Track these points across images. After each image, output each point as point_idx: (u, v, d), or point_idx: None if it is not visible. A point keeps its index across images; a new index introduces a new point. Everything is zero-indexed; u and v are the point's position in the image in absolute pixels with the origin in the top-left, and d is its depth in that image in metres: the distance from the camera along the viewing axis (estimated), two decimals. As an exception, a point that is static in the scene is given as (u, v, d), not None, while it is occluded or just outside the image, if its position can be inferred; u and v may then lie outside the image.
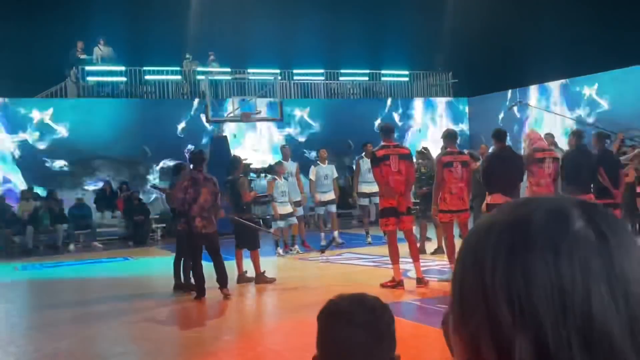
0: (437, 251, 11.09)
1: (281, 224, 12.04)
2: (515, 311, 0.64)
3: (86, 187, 17.21)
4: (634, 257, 0.67)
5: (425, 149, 12.06)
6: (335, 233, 13.33)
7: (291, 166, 12.90)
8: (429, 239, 11.81)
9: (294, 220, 12.27)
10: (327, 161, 13.49)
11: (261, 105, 16.83)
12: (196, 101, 18.34)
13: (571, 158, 9.26)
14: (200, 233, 8.47)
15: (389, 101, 21.27)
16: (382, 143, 8.67)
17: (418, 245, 11.42)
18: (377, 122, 19.72)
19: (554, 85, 19.10)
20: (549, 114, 18.42)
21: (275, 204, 11.84)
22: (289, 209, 12.00)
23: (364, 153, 13.15)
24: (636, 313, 0.64)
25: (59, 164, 17.26)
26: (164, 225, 16.78)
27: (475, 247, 0.70)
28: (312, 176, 13.24)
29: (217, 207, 8.71)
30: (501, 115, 19.72)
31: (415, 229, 11.29)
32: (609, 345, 0.63)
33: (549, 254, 0.65)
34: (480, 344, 0.66)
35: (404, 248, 8.73)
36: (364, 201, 13.39)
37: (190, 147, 17.00)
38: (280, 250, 12.35)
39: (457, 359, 0.70)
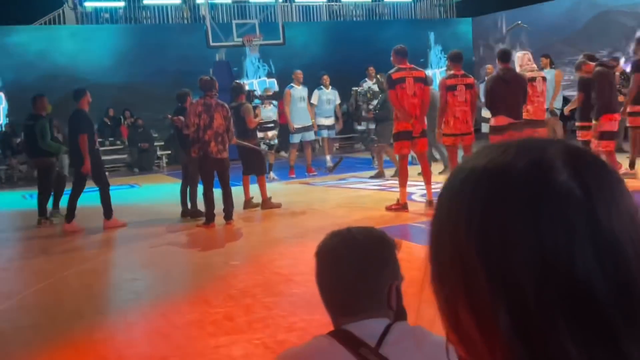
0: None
1: (296, 138, 12.51)
2: (492, 274, 0.58)
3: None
4: (623, 213, 0.60)
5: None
6: (328, 157, 13.48)
7: (302, 91, 12.77)
8: (436, 160, 11.75)
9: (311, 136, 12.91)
10: (330, 87, 13.38)
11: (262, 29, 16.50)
12: (196, 25, 17.99)
13: (600, 76, 9.17)
14: (215, 158, 8.50)
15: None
16: (397, 65, 8.49)
17: (377, 170, 11.87)
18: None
19: (557, 4, 18.59)
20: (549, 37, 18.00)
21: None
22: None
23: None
24: (625, 277, 0.58)
25: (60, 92, 17.07)
26: (170, 152, 16.78)
27: (450, 198, 0.64)
28: (314, 100, 13.15)
29: (231, 133, 8.72)
30: (505, 36, 19.32)
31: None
32: (595, 312, 0.57)
33: (529, 210, 0.58)
34: (458, 307, 0.61)
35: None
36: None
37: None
38: (273, 174, 12.23)
39: (439, 314, 0.66)
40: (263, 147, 10.89)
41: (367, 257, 1.56)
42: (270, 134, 11.95)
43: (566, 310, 0.57)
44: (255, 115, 9.82)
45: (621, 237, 0.58)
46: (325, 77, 13.35)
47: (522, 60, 9.64)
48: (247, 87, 11.51)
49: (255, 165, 9.64)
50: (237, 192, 9.16)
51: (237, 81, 11.91)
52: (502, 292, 0.58)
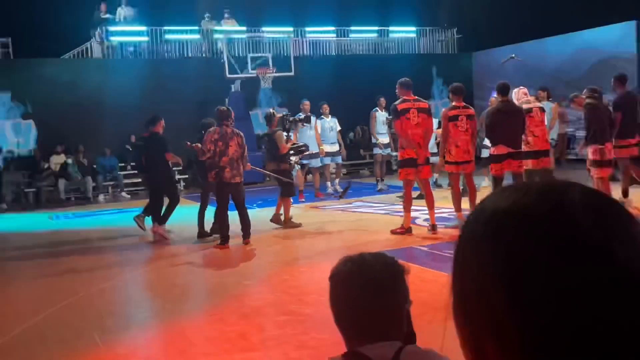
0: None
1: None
2: (523, 316, 0.58)
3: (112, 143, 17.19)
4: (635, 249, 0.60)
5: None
6: (336, 182, 13.73)
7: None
8: (439, 186, 11.80)
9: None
10: (330, 115, 13.45)
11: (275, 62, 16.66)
12: (214, 59, 18.15)
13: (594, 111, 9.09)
14: (229, 182, 8.65)
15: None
16: (402, 97, 8.55)
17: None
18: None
19: (554, 40, 18.67)
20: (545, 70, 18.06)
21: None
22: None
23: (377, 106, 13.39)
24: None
25: (86, 121, 17.22)
26: (187, 176, 16.85)
27: (473, 241, 0.63)
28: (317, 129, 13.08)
29: (245, 160, 8.88)
30: (504, 69, 19.38)
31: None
32: (621, 354, 0.57)
33: (553, 255, 0.58)
34: (485, 344, 0.61)
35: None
36: (377, 150, 13.47)
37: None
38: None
39: (462, 346, 0.65)
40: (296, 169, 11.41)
41: (380, 283, 1.55)
42: (293, 158, 11.31)
43: (596, 350, 0.56)
44: (287, 141, 10.07)
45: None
46: (325, 106, 13.42)
47: (518, 94, 9.45)
48: (277, 114, 10.93)
49: (284, 187, 9.95)
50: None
51: (270, 109, 11.51)
52: (532, 333, 0.58)
